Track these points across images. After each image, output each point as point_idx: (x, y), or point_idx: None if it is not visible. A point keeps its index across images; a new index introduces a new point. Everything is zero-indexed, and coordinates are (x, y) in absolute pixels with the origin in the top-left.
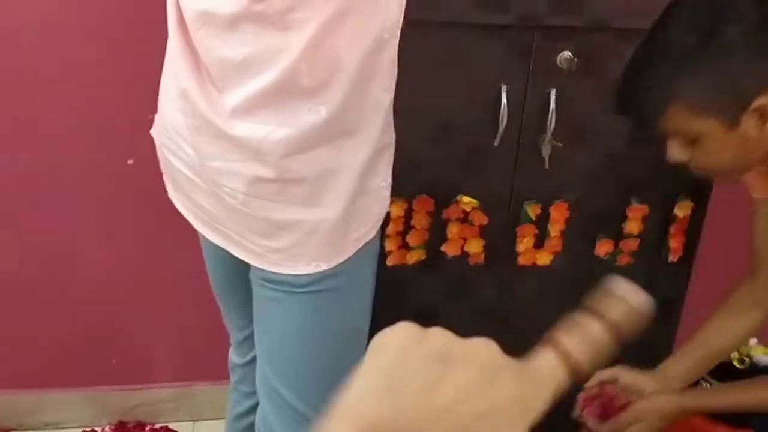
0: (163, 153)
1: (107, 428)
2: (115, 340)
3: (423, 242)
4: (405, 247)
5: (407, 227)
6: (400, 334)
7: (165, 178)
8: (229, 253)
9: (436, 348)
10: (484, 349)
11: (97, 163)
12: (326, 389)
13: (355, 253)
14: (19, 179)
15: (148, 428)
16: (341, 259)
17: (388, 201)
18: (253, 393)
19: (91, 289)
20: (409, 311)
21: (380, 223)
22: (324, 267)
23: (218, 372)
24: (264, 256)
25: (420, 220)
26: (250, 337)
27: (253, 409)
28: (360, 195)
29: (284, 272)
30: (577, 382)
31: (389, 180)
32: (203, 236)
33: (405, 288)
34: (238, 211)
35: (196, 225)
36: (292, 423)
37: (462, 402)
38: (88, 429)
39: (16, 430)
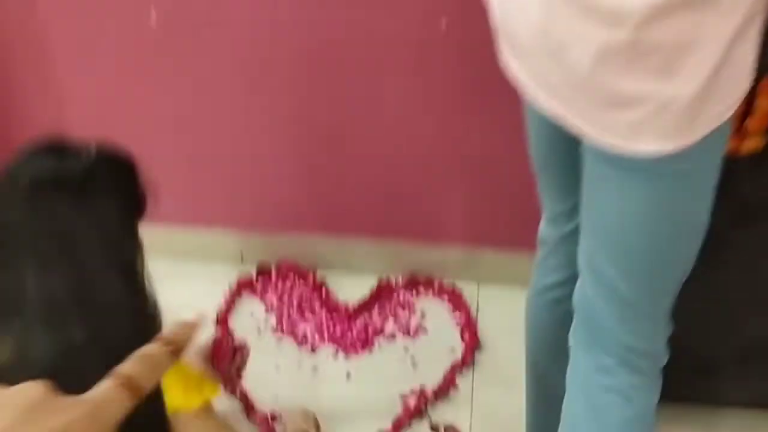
0: (505, 7)
1: (400, 279)
2: (413, 197)
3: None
4: (740, 133)
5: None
6: None
7: (501, 38)
8: (560, 125)
9: None
10: (24, 391)
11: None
12: (657, 277)
13: (707, 135)
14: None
15: (436, 283)
16: (692, 141)
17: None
18: (561, 267)
19: (395, 149)
20: (734, 208)
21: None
22: (671, 147)
23: (507, 239)
24: (605, 130)
25: (765, 103)
26: (566, 213)
27: (559, 284)
28: (724, 66)
29: (625, 149)
30: (138, 395)
31: (755, 53)
32: (531, 105)
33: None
34: (582, 79)
35: (531, 90)
36: (615, 304)
37: None
38: (384, 277)
39: (320, 268)
